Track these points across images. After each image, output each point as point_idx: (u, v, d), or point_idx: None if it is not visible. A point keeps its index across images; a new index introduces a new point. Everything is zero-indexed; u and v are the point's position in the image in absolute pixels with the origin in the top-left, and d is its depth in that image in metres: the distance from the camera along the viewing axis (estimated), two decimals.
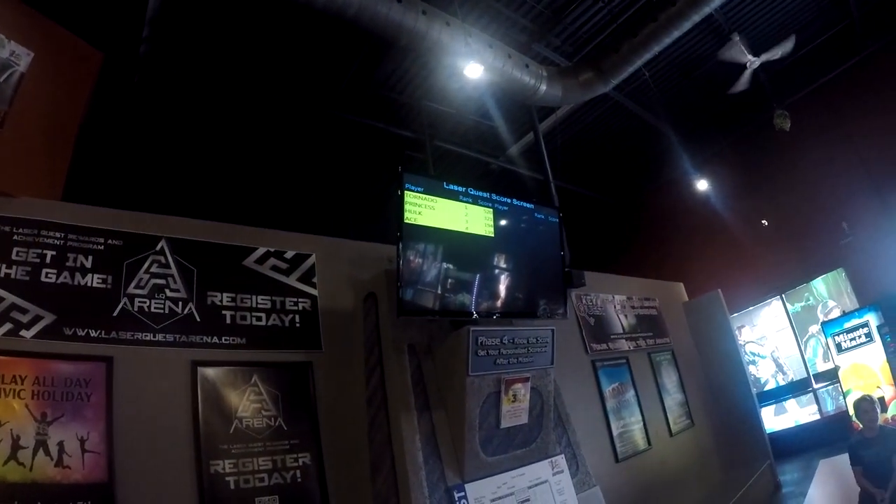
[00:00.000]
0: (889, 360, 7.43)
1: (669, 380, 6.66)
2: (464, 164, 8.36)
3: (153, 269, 3.13)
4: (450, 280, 3.24)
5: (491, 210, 3.58)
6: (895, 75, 8.08)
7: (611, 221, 11.38)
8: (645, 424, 5.71)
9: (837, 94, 8.67)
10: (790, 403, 9.04)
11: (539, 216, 3.96)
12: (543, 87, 5.92)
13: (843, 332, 7.84)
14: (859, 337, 7.73)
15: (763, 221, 9.20)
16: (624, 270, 7.50)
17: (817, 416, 8.50)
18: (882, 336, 7.56)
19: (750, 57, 7.03)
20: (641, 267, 8.93)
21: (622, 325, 6.24)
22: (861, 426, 4.33)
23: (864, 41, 8.27)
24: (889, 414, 7.30)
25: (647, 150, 9.81)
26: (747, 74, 7.23)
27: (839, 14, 7.95)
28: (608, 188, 10.82)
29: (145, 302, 3.04)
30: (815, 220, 8.71)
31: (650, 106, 8.40)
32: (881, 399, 7.45)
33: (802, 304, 9.10)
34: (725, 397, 7.51)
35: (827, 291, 8.81)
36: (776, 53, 7.02)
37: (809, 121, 8.66)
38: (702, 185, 9.01)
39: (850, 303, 8.33)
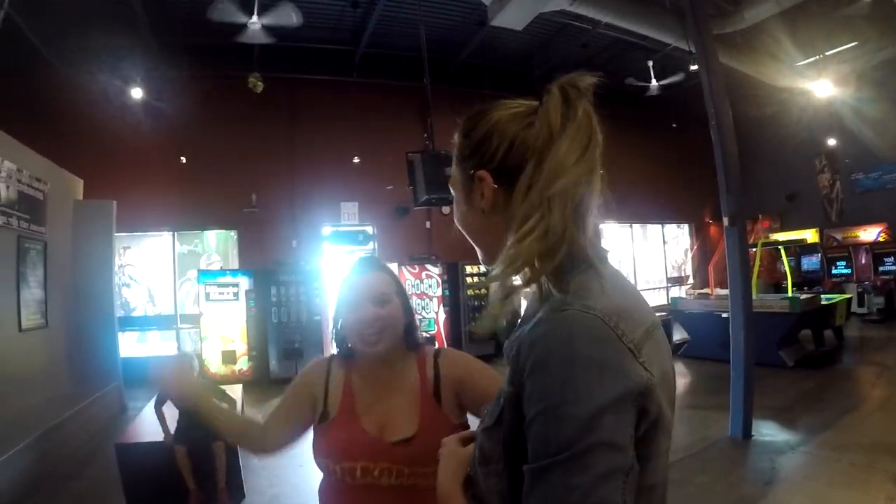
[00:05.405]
0: (248, 322, 8.90)
1: (33, 273, 6.10)
2: None
3: None
4: None
5: None
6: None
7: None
8: None
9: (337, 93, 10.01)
10: (153, 335, 9.53)
11: None
12: None
13: (215, 285, 8.90)
14: (228, 294, 8.95)
15: (182, 159, 9.13)
16: (28, 142, 6.19)
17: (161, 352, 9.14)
18: (247, 300, 9.01)
19: (254, 18, 6.90)
20: (54, 146, 7.12)
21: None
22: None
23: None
24: (237, 367, 8.70)
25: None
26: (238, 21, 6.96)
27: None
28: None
29: None
30: (233, 180, 9.42)
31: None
32: (233, 353, 8.78)
33: (191, 247, 9.81)
34: (89, 310, 7.22)
35: (217, 246, 9.84)
36: (277, 21, 7.08)
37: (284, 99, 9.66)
38: (137, 94, 8.43)
39: (232, 262, 9.58)
